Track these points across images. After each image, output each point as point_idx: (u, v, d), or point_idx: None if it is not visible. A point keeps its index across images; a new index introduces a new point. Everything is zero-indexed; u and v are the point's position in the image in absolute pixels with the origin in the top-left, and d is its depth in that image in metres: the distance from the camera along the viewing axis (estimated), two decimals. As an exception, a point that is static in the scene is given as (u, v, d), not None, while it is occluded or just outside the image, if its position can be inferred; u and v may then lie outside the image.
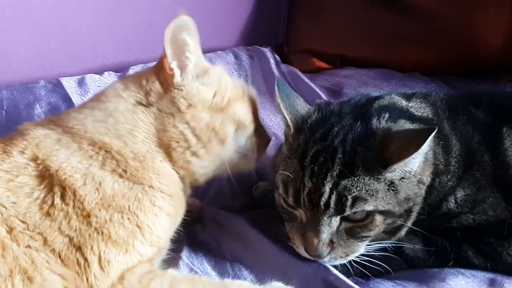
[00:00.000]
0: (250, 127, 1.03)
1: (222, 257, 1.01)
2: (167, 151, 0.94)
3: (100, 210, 0.83)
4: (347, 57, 1.86)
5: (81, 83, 1.51)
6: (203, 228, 1.08)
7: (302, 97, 1.06)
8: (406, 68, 1.79)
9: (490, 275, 0.95)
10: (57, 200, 0.83)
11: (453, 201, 0.97)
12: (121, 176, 0.87)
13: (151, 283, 0.83)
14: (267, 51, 1.80)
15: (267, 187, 1.19)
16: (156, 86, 0.95)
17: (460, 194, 0.97)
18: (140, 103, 0.94)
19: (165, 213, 0.90)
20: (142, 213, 0.86)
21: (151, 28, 1.73)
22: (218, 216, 1.09)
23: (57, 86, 1.49)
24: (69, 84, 1.50)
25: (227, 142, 0.97)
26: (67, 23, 1.59)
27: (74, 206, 0.82)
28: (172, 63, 0.93)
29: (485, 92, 1.11)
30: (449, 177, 0.97)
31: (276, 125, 1.47)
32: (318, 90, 1.62)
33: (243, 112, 1.01)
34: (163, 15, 1.70)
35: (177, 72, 0.94)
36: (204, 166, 0.97)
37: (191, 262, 0.98)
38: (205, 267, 0.98)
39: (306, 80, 1.69)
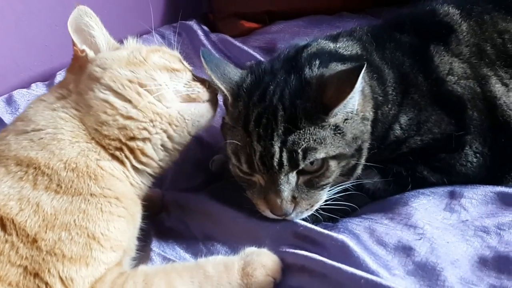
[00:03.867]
0: (184, 70, 0.99)
1: (193, 238, 1.01)
2: (101, 138, 0.90)
3: (46, 232, 0.79)
4: (275, 12, 1.83)
5: (9, 101, 1.45)
6: (169, 215, 1.07)
7: (238, 62, 1.05)
8: (334, 10, 1.79)
9: (449, 188, 1.00)
10: None
11: (399, 128, 1.00)
12: (56, 192, 0.83)
13: (124, 286, 0.81)
14: (193, 24, 1.75)
15: (223, 159, 1.19)
16: (71, 76, 0.96)
17: (403, 119, 1.00)
18: (60, 98, 0.93)
19: (117, 216, 0.86)
20: (91, 223, 0.82)
21: (69, 27, 1.66)
22: (180, 199, 1.08)
23: (-14, 110, 1.42)
24: (-3, 106, 1.43)
25: (162, 92, 0.92)
26: (-22, 44, 1.50)
27: (17, 234, 0.79)
28: (83, 47, 0.95)
29: (406, 15, 1.12)
30: (390, 106, 1.00)
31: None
32: (252, 52, 1.60)
33: (166, 58, 0.99)
34: (77, 11, 1.62)
35: (89, 51, 0.95)
36: (146, 129, 0.91)
37: (162, 251, 0.97)
38: (177, 252, 0.98)
39: (238, 44, 1.66)
